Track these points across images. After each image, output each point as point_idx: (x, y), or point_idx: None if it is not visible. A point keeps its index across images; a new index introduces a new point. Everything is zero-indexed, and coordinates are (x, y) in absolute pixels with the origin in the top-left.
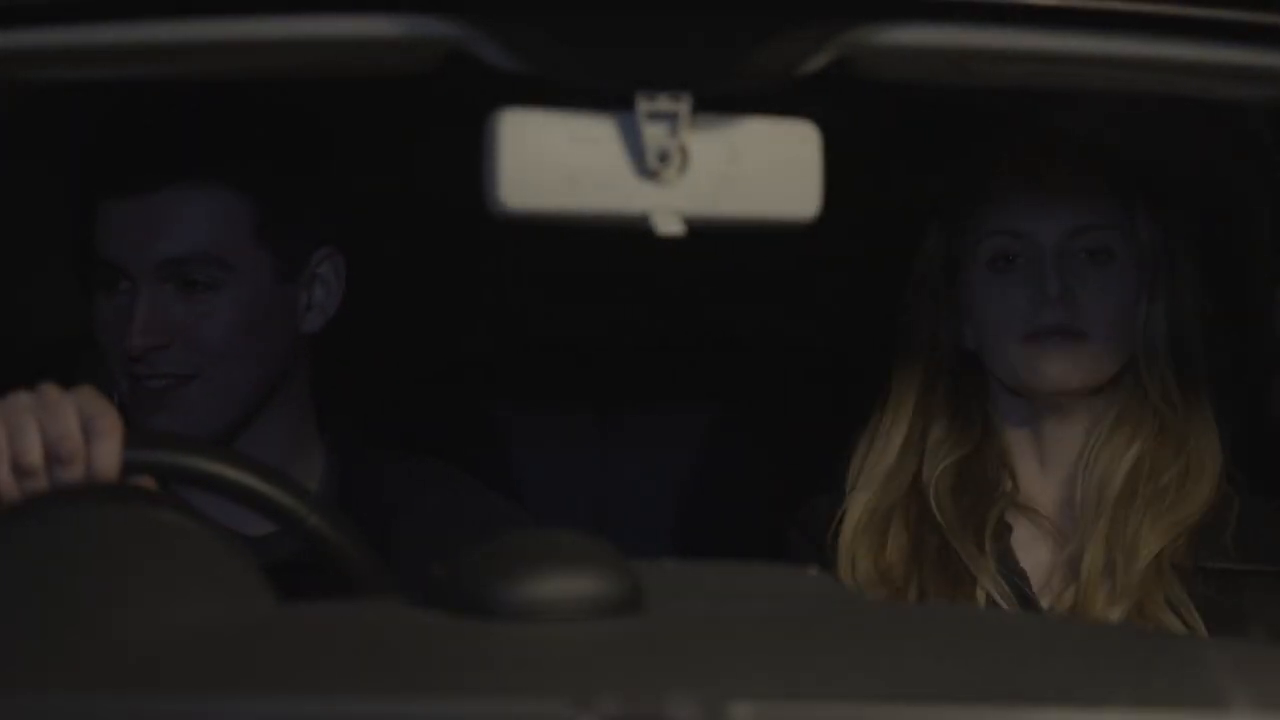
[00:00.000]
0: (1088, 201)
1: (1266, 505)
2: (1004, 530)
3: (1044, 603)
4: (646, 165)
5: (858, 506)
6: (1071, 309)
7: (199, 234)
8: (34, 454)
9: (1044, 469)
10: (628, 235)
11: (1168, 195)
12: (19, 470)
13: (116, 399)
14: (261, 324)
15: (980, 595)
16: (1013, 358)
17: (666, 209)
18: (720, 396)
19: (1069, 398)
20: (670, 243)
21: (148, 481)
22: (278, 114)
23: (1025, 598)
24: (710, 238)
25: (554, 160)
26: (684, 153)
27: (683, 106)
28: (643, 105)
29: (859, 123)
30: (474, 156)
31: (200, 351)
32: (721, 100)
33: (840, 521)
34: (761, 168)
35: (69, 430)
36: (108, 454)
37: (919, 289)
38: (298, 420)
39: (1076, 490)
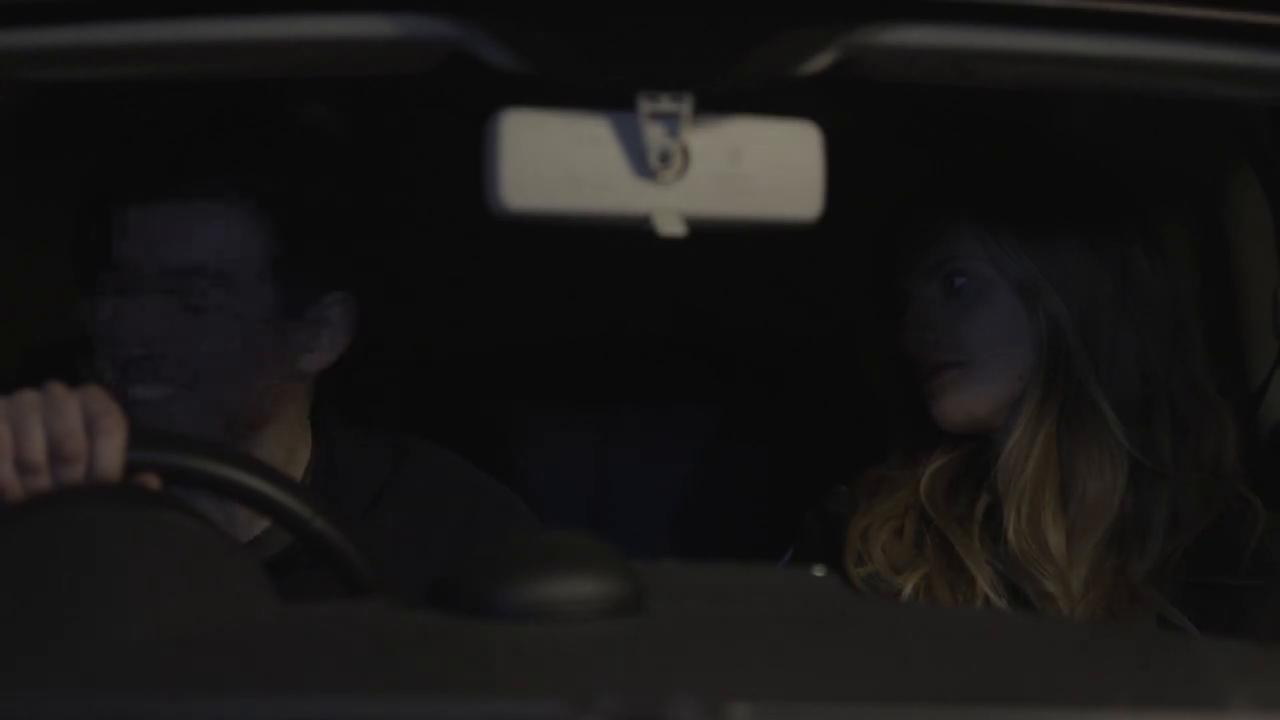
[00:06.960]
0: (947, 238)
1: None
2: (995, 516)
3: (1028, 589)
4: (648, 166)
5: (873, 509)
6: (946, 343)
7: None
8: (37, 451)
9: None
10: (629, 235)
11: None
12: (22, 467)
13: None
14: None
15: (979, 586)
16: (925, 399)
17: (667, 210)
18: (721, 396)
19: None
20: (671, 242)
21: (151, 481)
22: (289, 122)
23: (1014, 586)
24: (711, 237)
25: (555, 161)
26: (685, 153)
27: (684, 107)
28: (644, 105)
29: (861, 123)
30: (475, 156)
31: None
32: (723, 100)
33: (854, 515)
34: (763, 168)
35: (73, 428)
36: (111, 453)
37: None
38: (289, 439)
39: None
